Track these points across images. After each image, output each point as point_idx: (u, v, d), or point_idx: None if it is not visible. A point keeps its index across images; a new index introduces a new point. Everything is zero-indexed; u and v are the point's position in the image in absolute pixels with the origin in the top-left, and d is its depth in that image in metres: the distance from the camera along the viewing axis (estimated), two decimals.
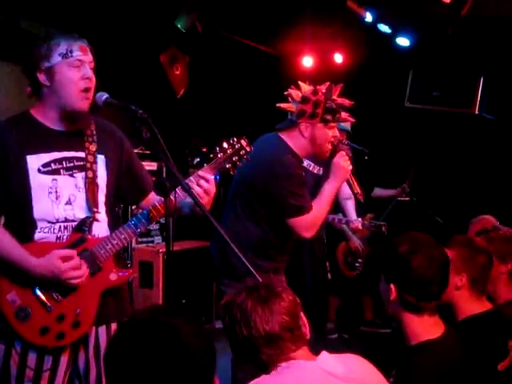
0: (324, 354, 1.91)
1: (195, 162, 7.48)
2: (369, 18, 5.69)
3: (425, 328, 2.23)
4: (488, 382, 2.31)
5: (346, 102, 3.46)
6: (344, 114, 3.48)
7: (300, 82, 3.45)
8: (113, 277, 2.63)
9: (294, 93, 3.43)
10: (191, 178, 2.61)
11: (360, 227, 5.11)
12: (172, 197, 2.54)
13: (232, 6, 5.88)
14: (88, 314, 2.58)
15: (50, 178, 2.58)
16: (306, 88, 3.41)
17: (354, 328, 6.20)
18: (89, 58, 2.65)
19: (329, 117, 3.37)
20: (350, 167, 3.45)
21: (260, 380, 1.85)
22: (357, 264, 5.98)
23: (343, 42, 6.70)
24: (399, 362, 2.08)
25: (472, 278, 2.65)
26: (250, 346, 1.90)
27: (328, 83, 3.43)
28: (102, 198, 2.72)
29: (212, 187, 2.63)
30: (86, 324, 2.59)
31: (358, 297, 6.36)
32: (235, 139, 2.72)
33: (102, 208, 2.72)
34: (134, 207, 5.57)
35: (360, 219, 5.24)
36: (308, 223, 3.37)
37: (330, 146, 3.46)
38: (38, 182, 2.56)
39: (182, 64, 6.89)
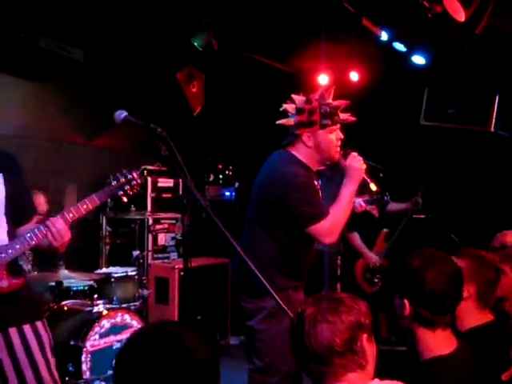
0: (374, 382, 1.91)
1: (211, 178, 7.54)
2: (384, 36, 5.72)
3: (438, 343, 2.24)
4: None
5: (342, 102, 3.44)
6: (343, 115, 3.45)
7: (293, 95, 3.45)
8: (4, 283, 2.78)
9: (289, 107, 3.44)
10: (40, 226, 2.83)
11: (361, 208, 4.87)
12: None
13: (248, 24, 5.94)
14: None
15: None
16: (298, 99, 3.42)
17: None
18: None
19: (327, 121, 3.36)
20: (364, 166, 3.41)
21: None
22: (375, 280, 5.97)
23: (359, 59, 6.73)
24: (412, 377, 2.09)
25: (479, 290, 2.65)
26: (302, 355, 1.92)
27: (321, 89, 3.44)
28: (1, 211, 2.89)
29: (67, 234, 2.86)
30: None
31: (374, 314, 6.33)
32: (127, 171, 3.03)
33: (1, 219, 2.89)
34: None
35: (359, 199, 5.04)
36: (326, 229, 3.32)
37: (337, 149, 3.44)
38: None
39: (198, 81, 6.96)
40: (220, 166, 7.61)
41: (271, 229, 3.42)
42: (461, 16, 4.25)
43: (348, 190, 3.39)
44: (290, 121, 3.45)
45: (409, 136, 6.79)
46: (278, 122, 3.50)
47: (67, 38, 5.68)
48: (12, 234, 2.91)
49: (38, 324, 2.93)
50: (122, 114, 2.65)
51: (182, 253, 2.94)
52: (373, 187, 3.56)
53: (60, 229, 2.82)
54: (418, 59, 6.25)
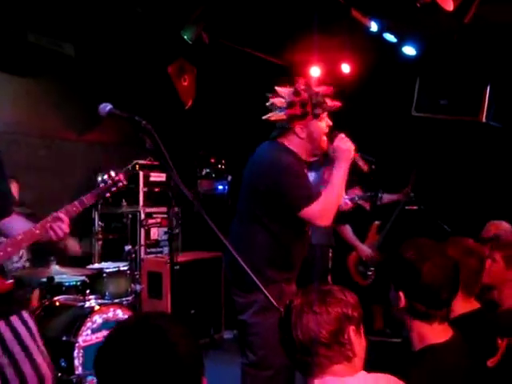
0: (361, 374, 1.90)
1: (204, 172, 7.53)
2: (374, 27, 5.71)
3: (433, 334, 2.22)
4: (478, 377, 2.30)
5: (327, 89, 3.44)
6: (330, 102, 3.44)
7: (277, 88, 3.45)
8: None
9: (277, 101, 3.44)
10: (48, 218, 2.91)
11: (347, 206, 4.85)
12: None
13: (239, 17, 5.92)
14: None
15: None
16: (284, 91, 3.42)
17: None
18: None
19: (318, 110, 3.37)
20: (353, 147, 3.41)
21: None
22: (369, 272, 5.97)
23: (350, 51, 6.72)
24: (404, 368, 2.08)
25: (463, 279, 2.64)
26: (289, 346, 1.93)
27: (300, 79, 3.43)
28: None
29: (66, 227, 2.93)
30: None
31: (368, 306, 6.34)
32: (114, 173, 3.14)
33: None
34: None
35: (347, 197, 5.04)
36: (319, 211, 3.30)
37: (325, 138, 3.45)
38: None
39: (189, 75, 6.95)
40: (212, 160, 7.59)
41: (264, 220, 3.41)
42: (449, 5, 4.25)
43: (339, 170, 3.37)
44: (280, 115, 3.44)
45: (400, 127, 6.78)
46: (265, 117, 3.49)
47: (57, 33, 5.66)
48: None
49: (24, 313, 2.99)
50: (106, 107, 2.65)
51: (169, 247, 2.92)
52: (363, 167, 3.56)
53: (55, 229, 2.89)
54: (409, 50, 6.24)
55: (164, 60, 6.80)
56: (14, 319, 2.91)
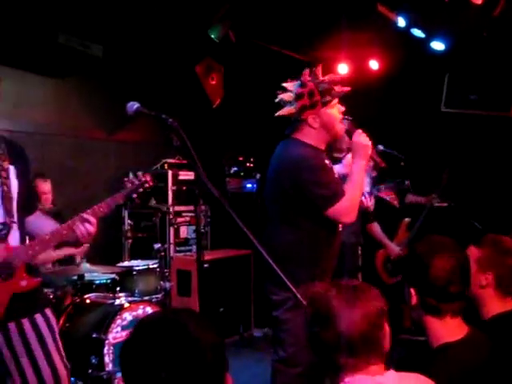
0: (390, 373, 1.86)
1: (232, 171, 7.55)
2: (401, 22, 5.66)
3: (446, 330, 2.20)
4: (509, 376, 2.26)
5: (333, 76, 3.45)
6: (338, 88, 3.43)
7: (284, 84, 3.48)
8: (23, 283, 2.86)
9: (285, 96, 3.47)
10: (75, 218, 2.90)
11: (372, 202, 4.79)
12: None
13: (265, 15, 5.92)
14: None
15: None
16: (291, 85, 3.44)
17: (393, 336, 6.13)
18: None
19: (327, 97, 3.37)
20: (370, 142, 3.41)
21: None
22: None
23: (378, 48, 6.68)
24: (423, 367, 2.06)
25: (498, 277, 2.61)
26: (320, 344, 1.88)
27: (306, 71, 3.44)
28: (15, 207, 2.93)
29: (94, 229, 2.92)
30: None
31: (397, 304, 6.28)
32: (141, 174, 3.09)
33: (15, 217, 2.93)
34: None
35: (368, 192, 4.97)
36: (345, 208, 3.32)
37: (341, 124, 3.47)
38: None
39: (217, 74, 6.98)
40: (241, 158, 7.60)
41: (293, 220, 3.42)
42: None
43: (357, 165, 3.39)
44: (290, 109, 3.45)
45: (430, 123, 6.71)
46: (277, 114, 3.51)
47: (86, 34, 5.71)
48: (23, 231, 2.97)
49: (47, 311, 3.01)
50: (134, 106, 2.66)
51: (197, 245, 2.92)
52: (380, 163, 3.55)
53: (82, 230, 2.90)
54: (438, 45, 6.17)
55: (192, 59, 6.83)
56: (38, 317, 2.94)
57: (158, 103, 2.91)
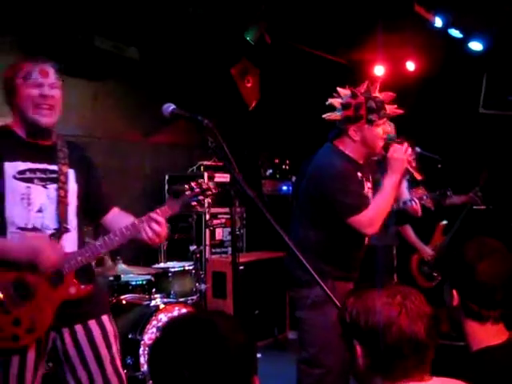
0: (434, 380, 1.81)
1: (268, 173, 7.55)
2: (438, 22, 5.60)
3: (487, 335, 2.15)
4: None
5: (388, 95, 3.43)
6: (390, 108, 3.43)
7: (338, 89, 3.46)
8: (72, 290, 2.79)
9: (335, 101, 3.45)
10: (143, 218, 2.81)
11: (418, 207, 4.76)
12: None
13: (300, 17, 5.91)
14: (43, 322, 2.72)
15: (24, 184, 2.76)
16: (345, 93, 3.42)
17: None
18: (48, 80, 2.80)
19: (373, 116, 3.35)
20: (405, 157, 3.38)
21: None
22: (434, 274, 5.85)
23: (414, 49, 6.62)
24: (462, 370, 2.02)
25: None
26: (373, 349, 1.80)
27: (365, 83, 3.42)
28: (72, 210, 2.89)
29: (163, 230, 2.83)
30: (40, 330, 2.72)
31: (434, 309, 6.20)
32: (204, 181, 2.96)
33: (73, 220, 2.90)
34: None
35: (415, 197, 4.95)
36: (367, 220, 3.31)
37: (381, 144, 3.44)
38: (12, 188, 2.73)
39: (253, 76, 6.99)
40: (276, 161, 7.60)
41: (313, 218, 3.45)
42: None
43: (390, 180, 3.36)
44: (336, 115, 3.46)
45: (468, 125, 6.62)
46: (324, 116, 3.50)
47: (122, 37, 5.77)
48: (81, 236, 2.95)
49: (104, 318, 2.96)
50: (169, 107, 2.67)
51: (232, 247, 2.89)
52: (417, 176, 3.52)
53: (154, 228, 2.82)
54: (476, 45, 6.09)
55: (227, 61, 6.85)
56: (92, 324, 2.90)
57: (194, 105, 2.90)
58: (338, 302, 2.33)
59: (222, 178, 6.74)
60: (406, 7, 5.04)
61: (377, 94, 3.39)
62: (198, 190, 2.93)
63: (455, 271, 2.22)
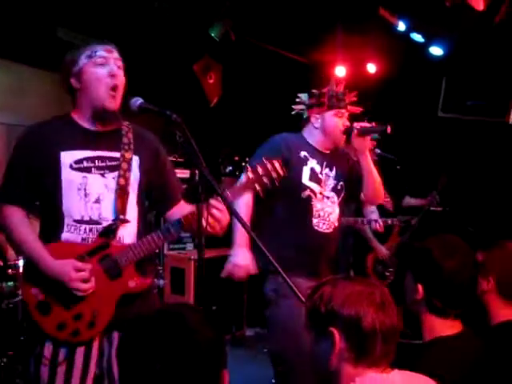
0: (396, 372, 1.84)
1: (227, 170, 7.54)
2: (401, 26, 5.69)
3: (442, 327, 2.22)
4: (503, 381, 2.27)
5: (352, 94, 3.63)
6: (350, 107, 3.64)
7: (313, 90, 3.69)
8: (131, 283, 2.69)
9: (302, 95, 3.70)
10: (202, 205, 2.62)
11: (379, 228, 5.17)
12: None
13: (265, 15, 5.92)
14: (103, 316, 2.66)
15: (80, 175, 2.65)
16: (314, 91, 3.67)
17: None
18: (113, 55, 2.74)
19: (334, 102, 3.55)
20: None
21: None
22: (387, 273, 5.94)
23: (376, 51, 6.70)
24: (412, 359, 2.07)
25: (499, 282, 2.60)
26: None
27: (333, 79, 3.75)
28: (133, 202, 2.77)
29: (224, 216, 2.67)
30: (100, 325, 2.66)
31: None
32: (268, 161, 2.72)
33: (131, 213, 2.76)
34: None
35: (380, 219, 5.24)
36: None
37: (342, 135, 3.62)
38: (68, 178, 2.64)
39: (215, 73, 6.97)
40: (237, 158, 7.61)
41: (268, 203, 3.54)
42: (480, 5, 4.22)
43: (366, 158, 3.62)
44: (300, 106, 3.70)
45: (427, 128, 6.74)
46: (293, 106, 3.73)
47: (85, 28, 5.70)
48: (142, 226, 2.82)
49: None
50: (137, 101, 2.63)
51: (198, 243, 2.82)
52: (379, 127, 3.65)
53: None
54: (436, 50, 6.20)
55: (190, 57, 6.82)
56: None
57: (156, 100, 2.85)
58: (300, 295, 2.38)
59: (182, 173, 6.72)
60: (369, 10, 5.11)
61: (340, 89, 3.61)
62: (262, 172, 2.70)
63: (422, 267, 2.27)
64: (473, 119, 6.37)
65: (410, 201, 6.21)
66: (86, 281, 2.59)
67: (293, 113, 3.73)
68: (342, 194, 3.71)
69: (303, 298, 2.27)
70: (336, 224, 3.65)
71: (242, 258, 3.45)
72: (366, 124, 3.61)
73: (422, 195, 6.17)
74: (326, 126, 3.59)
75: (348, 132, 3.59)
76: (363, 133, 3.55)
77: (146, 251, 2.69)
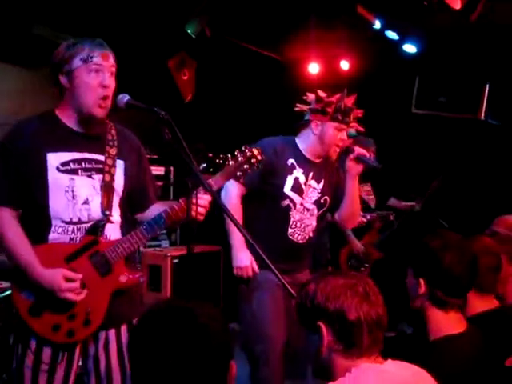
0: (389, 361, 1.88)
1: (201, 167, 7.52)
2: (377, 24, 5.73)
3: (448, 324, 2.28)
4: (496, 377, 2.34)
5: (358, 111, 3.67)
6: (354, 124, 3.69)
7: (318, 91, 3.66)
8: (123, 279, 2.70)
9: (310, 95, 3.67)
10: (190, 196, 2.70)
11: (362, 221, 5.23)
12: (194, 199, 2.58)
13: (239, 12, 5.92)
14: (98, 313, 2.66)
15: (67, 177, 2.63)
16: (321, 93, 3.63)
17: None
18: (109, 63, 2.74)
19: (339, 116, 3.56)
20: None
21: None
22: (362, 268, 5.99)
23: (349, 48, 6.75)
24: (419, 359, 2.11)
25: (479, 276, 2.66)
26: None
27: (344, 90, 3.64)
28: (116, 201, 2.77)
29: (208, 204, 2.78)
30: (95, 322, 2.66)
31: None
32: (247, 148, 2.79)
33: (115, 211, 2.77)
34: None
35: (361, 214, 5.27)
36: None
37: (337, 149, 3.66)
38: (55, 180, 2.61)
39: (189, 69, 6.94)
40: (210, 155, 7.58)
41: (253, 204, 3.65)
42: (457, 4, 4.29)
43: (354, 182, 3.73)
44: (305, 107, 3.69)
45: (401, 125, 6.81)
46: (296, 105, 3.73)
47: (60, 25, 5.64)
48: (125, 228, 2.81)
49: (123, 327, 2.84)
50: (124, 98, 2.64)
51: (188, 239, 2.85)
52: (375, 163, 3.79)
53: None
54: (410, 48, 6.27)
55: (164, 53, 6.78)
56: (123, 330, 2.80)
57: (130, 95, 2.83)
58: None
59: (157, 170, 6.70)
60: (343, 7, 5.14)
61: (348, 104, 3.61)
62: (241, 159, 2.78)
63: (421, 261, 2.37)
64: (445, 115, 6.45)
65: (393, 202, 6.26)
66: (75, 291, 2.58)
67: (296, 109, 3.73)
68: (324, 208, 3.78)
69: (292, 291, 2.34)
70: (311, 235, 3.75)
71: (243, 260, 3.56)
72: (365, 153, 3.69)
73: (401, 193, 6.23)
74: (324, 135, 3.61)
75: (345, 151, 3.64)
76: (359, 160, 3.61)
77: (134, 246, 2.70)
